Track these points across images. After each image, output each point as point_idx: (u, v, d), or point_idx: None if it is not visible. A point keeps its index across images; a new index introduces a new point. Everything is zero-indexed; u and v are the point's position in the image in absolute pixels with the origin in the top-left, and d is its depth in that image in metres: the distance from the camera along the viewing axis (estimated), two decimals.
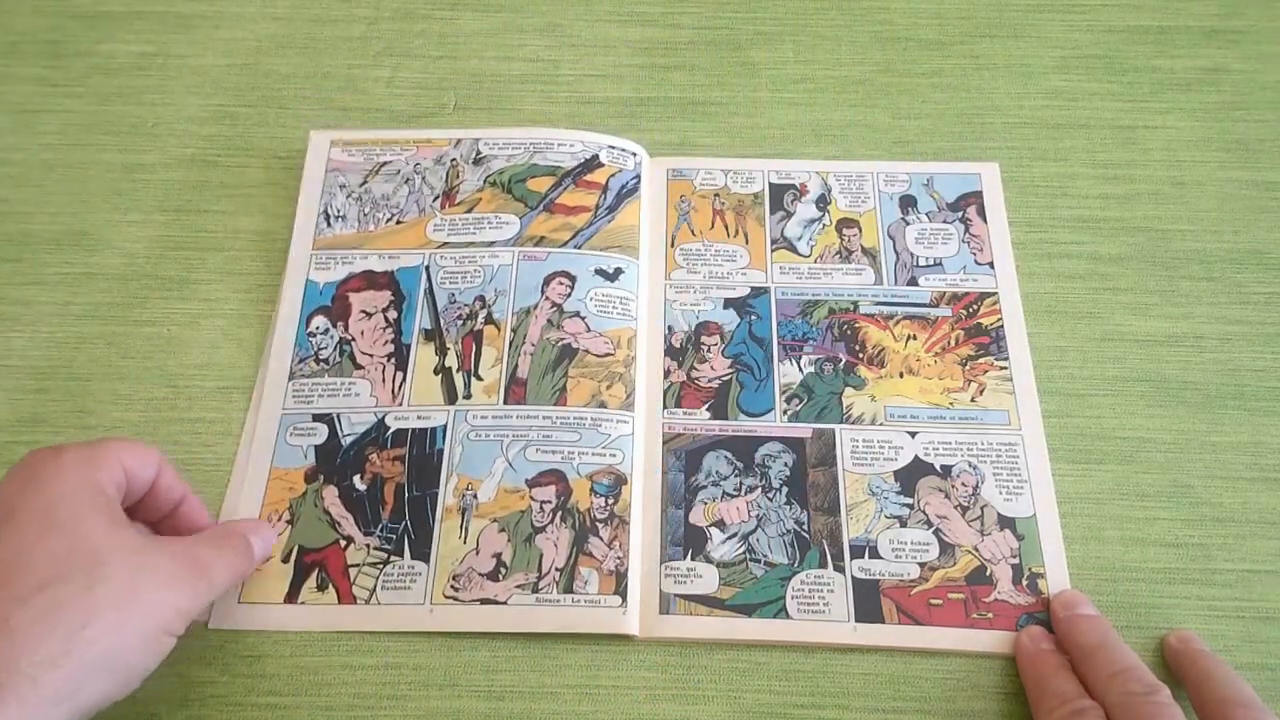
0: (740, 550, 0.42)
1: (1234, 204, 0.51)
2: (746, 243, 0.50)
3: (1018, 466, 0.44)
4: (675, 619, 0.41)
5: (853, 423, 0.45)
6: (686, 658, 0.40)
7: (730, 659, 0.40)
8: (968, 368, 0.46)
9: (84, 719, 0.31)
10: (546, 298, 0.47)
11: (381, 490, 0.43)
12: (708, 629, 0.41)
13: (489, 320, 0.47)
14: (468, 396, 0.45)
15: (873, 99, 0.55)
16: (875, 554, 0.42)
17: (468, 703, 0.39)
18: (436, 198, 0.50)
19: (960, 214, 0.50)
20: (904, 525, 0.42)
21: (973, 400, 0.45)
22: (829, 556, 0.42)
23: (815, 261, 0.49)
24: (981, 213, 0.50)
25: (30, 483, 0.33)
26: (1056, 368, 0.47)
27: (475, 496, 0.42)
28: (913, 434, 0.44)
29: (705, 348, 0.47)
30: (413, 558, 0.41)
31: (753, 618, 0.41)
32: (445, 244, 0.49)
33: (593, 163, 0.50)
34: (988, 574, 0.41)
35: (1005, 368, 0.46)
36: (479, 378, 0.45)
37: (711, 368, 0.46)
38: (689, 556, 0.42)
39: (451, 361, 0.46)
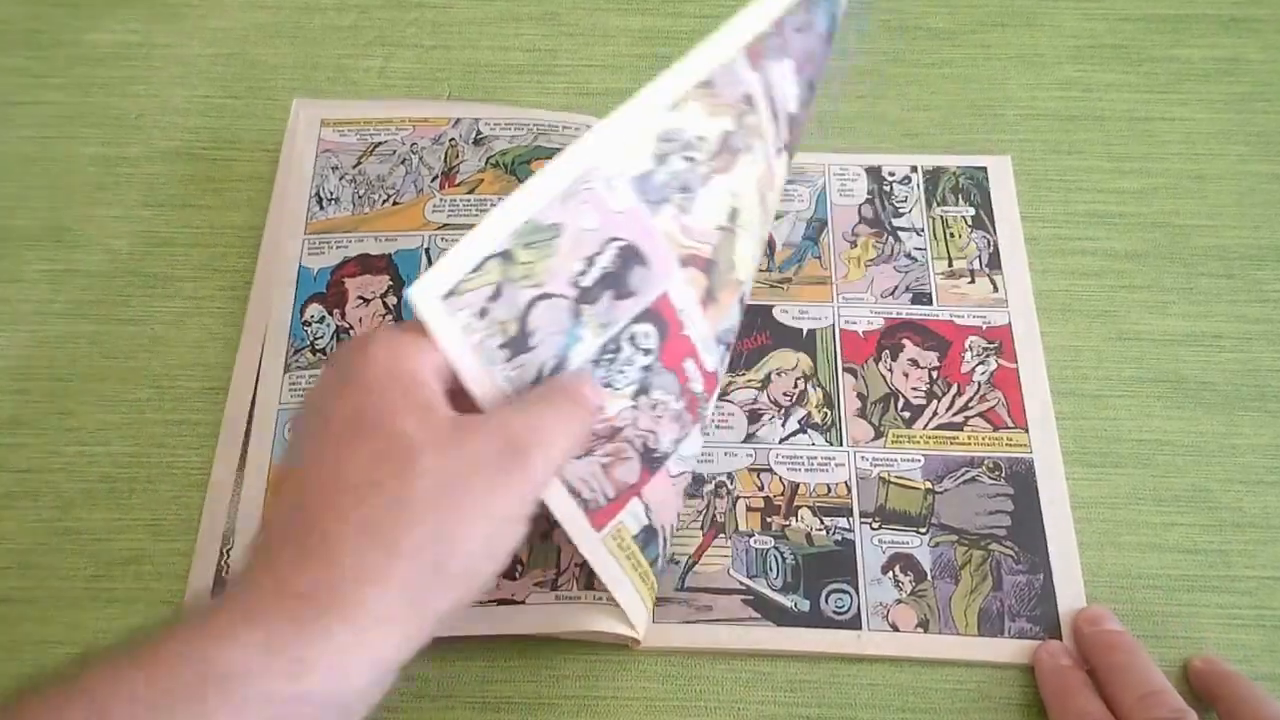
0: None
1: (1254, 198, 0.51)
2: None
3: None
4: (675, 627, 0.41)
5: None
6: (688, 668, 0.40)
7: (733, 669, 0.40)
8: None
9: (440, 627, 0.29)
10: None
11: None
12: (709, 638, 0.41)
13: None
14: None
15: (881, 90, 0.55)
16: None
17: (462, 714, 0.39)
18: (435, 178, 0.50)
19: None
20: None
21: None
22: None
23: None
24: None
25: (340, 384, 0.30)
26: (1070, 368, 0.47)
27: None
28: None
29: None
30: None
31: (757, 625, 0.41)
32: (445, 225, 0.49)
33: None
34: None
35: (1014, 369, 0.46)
36: None
37: None
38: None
39: None
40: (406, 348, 0.30)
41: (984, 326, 0.47)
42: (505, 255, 0.32)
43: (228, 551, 0.42)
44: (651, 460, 0.37)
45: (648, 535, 0.38)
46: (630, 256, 0.35)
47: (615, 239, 0.35)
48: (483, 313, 0.32)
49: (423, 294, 0.30)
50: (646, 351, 0.36)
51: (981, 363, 0.46)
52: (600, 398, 0.34)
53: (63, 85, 0.55)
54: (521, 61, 0.56)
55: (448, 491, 0.28)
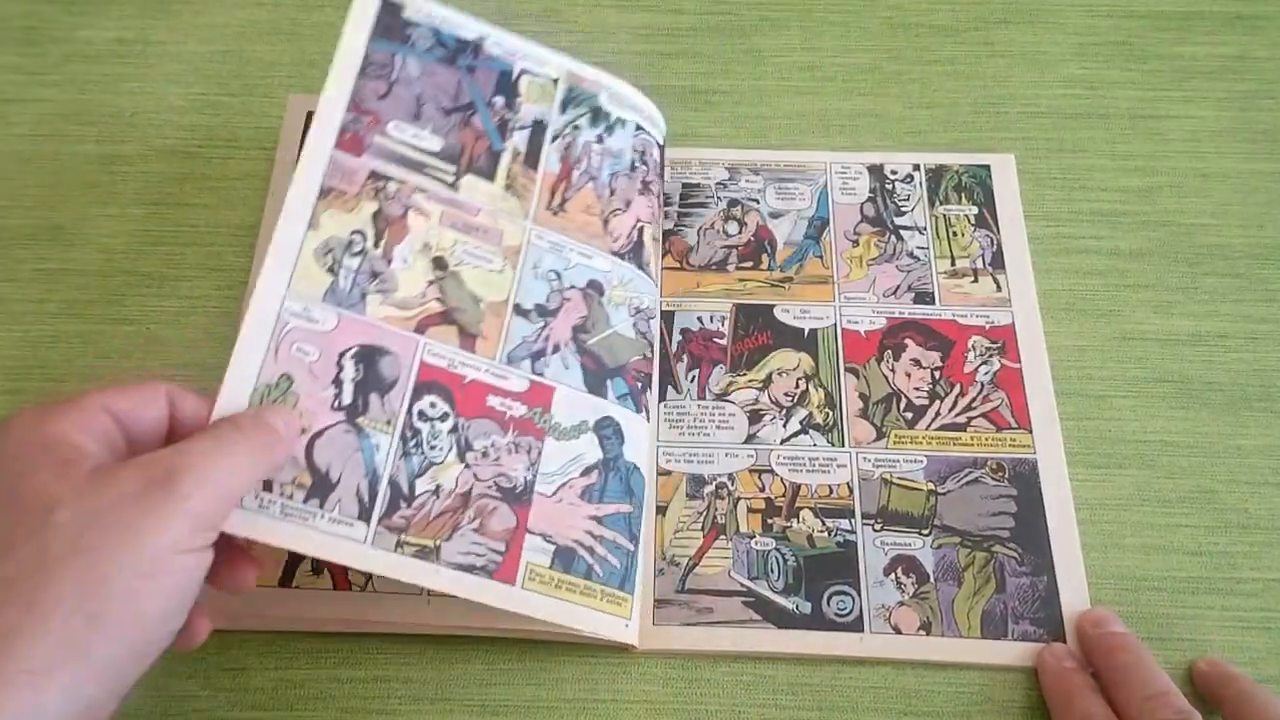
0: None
1: (1259, 197, 0.51)
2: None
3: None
4: (676, 630, 0.41)
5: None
6: (688, 670, 0.40)
7: (734, 672, 0.40)
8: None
9: (115, 680, 0.28)
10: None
11: None
12: (710, 640, 0.40)
13: None
14: None
15: (883, 87, 0.55)
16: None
17: (460, 717, 0.39)
18: None
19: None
20: None
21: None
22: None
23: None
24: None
25: None
26: (1074, 368, 0.47)
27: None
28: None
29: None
30: None
31: (758, 627, 0.41)
32: None
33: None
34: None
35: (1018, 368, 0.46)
36: None
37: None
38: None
39: None
40: (52, 413, 0.31)
41: (987, 326, 0.47)
42: None
43: None
44: (517, 498, 0.40)
45: (564, 558, 0.39)
46: (368, 356, 0.39)
47: (345, 351, 0.39)
48: (266, 486, 0.36)
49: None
50: (444, 416, 0.40)
51: (985, 363, 0.46)
52: (289, 419, 0.36)
53: (57, 83, 0.55)
54: None
55: (87, 536, 0.28)
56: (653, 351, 0.46)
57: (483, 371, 0.41)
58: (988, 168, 0.52)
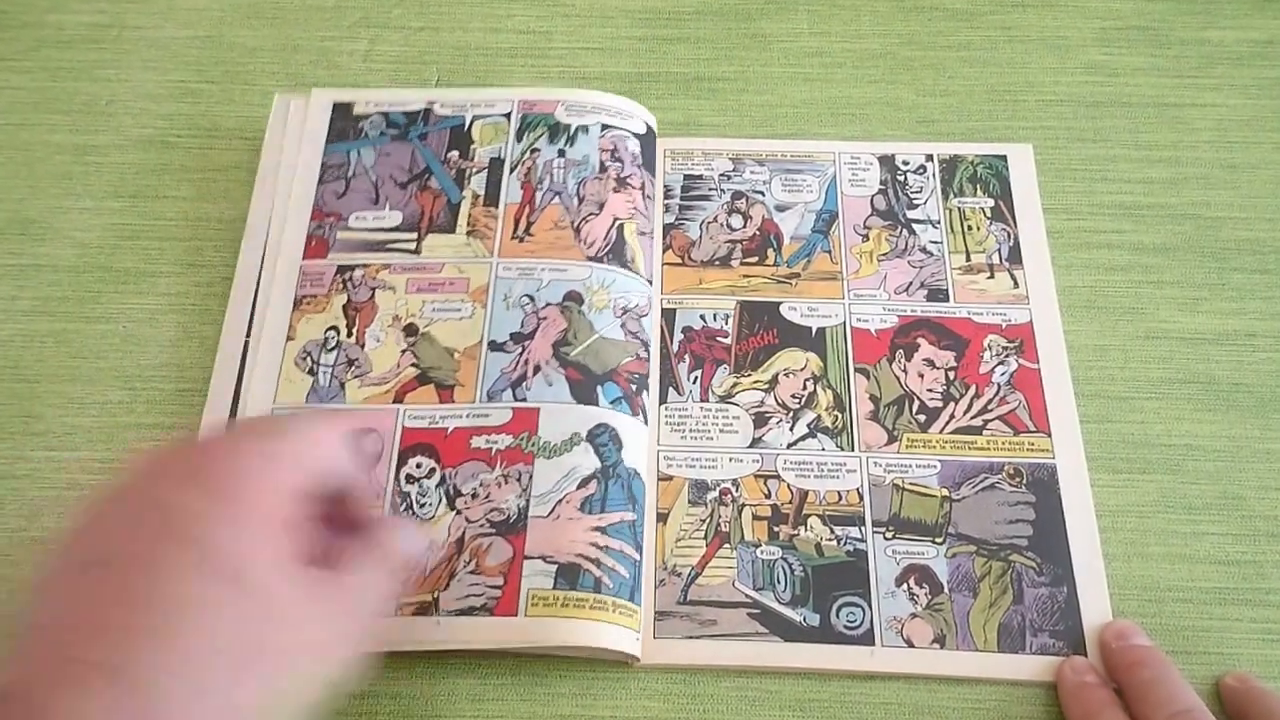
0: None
1: None
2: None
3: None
4: (678, 643, 0.41)
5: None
6: (690, 685, 0.40)
7: (738, 687, 0.40)
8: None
9: None
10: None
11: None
12: (713, 654, 0.40)
13: None
14: None
15: (895, 74, 0.55)
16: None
17: None
18: None
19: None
20: None
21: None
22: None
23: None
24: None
25: (198, 492, 0.29)
26: (1095, 368, 0.47)
27: None
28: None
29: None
30: None
31: (764, 640, 0.40)
32: None
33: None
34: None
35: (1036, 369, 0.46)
36: None
37: None
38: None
39: None
40: (282, 461, 0.31)
41: (1004, 325, 0.47)
42: None
43: None
44: (511, 527, 0.41)
45: (568, 575, 0.40)
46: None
47: None
48: None
49: None
50: (430, 473, 0.43)
51: (1001, 363, 0.46)
52: (415, 546, 0.36)
53: (28, 70, 0.55)
54: (514, 44, 0.56)
55: (280, 663, 0.29)
56: (648, 350, 0.46)
57: (464, 417, 0.44)
58: (1004, 158, 0.52)
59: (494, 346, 0.45)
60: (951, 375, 0.46)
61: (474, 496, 0.42)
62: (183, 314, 0.48)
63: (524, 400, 0.44)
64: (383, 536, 0.34)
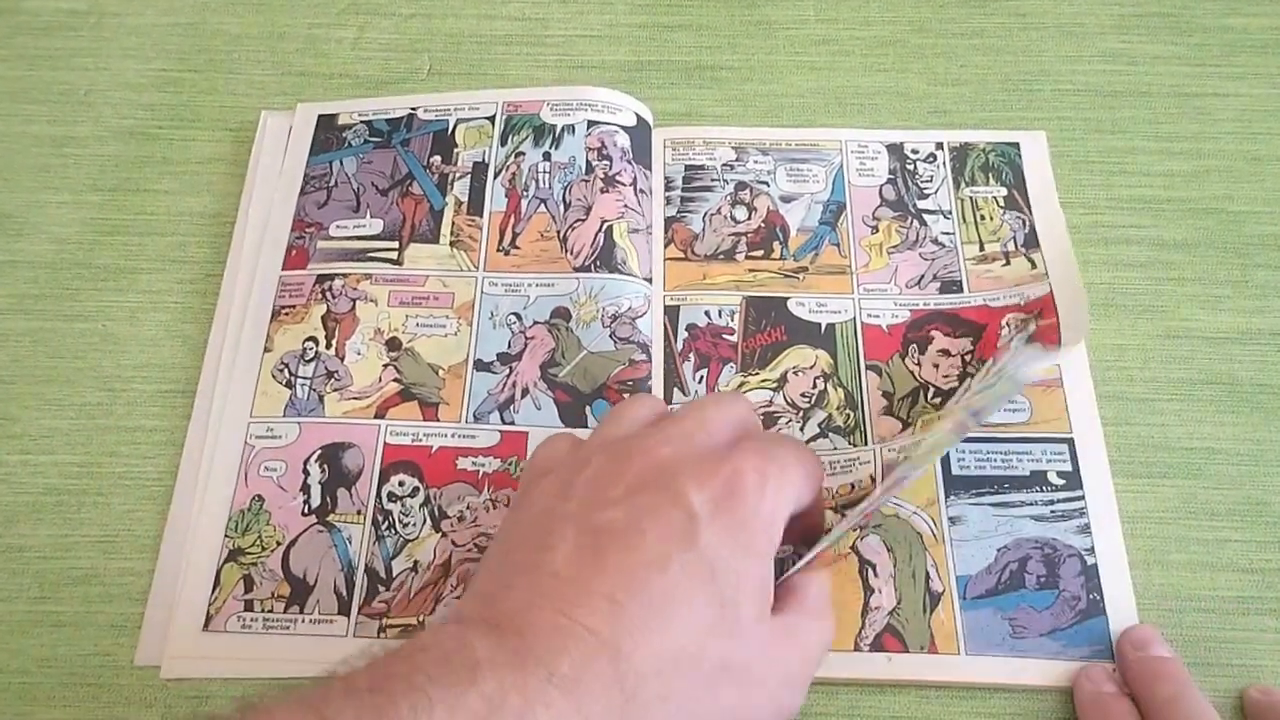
0: None
1: None
2: None
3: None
4: None
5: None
6: None
7: None
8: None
9: None
10: None
11: None
12: None
13: None
14: None
15: (905, 63, 0.55)
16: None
17: None
18: None
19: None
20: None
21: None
22: None
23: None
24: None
25: (722, 529, 0.33)
26: (1114, 369, 0.46)
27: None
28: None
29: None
30: None
31: None
32: None
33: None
34: None
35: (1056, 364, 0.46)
36: None
37: None
38: None
39: None
40: (786, 493, 0.34)
41: (1022, 302, 0.47)
42: (233, 559, 0.41)
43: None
44: None
45: None
46: (331, 454, 0.43)
47: (308, 457, 0.43)
48: (247, 606, 0.40)
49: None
50: (413, 492, 0.43)
51: (1020, 330, 0.46)
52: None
53: (3, 58, 0.55)
54: (509, 31, 0.56)
55: (745, 700, 0.32)
56: (647, 353, 0.46)
57: (449, 436, 0.44)
58: (1016, 145, 0.52)
59: (480, 366, 0.45)
60: (968, 358, 0.46)
61: (460, 519, 0.42)
62: (165, 312, 0.48)
63: (512, 423, 0.44)
64: (812, 580, 0.36)
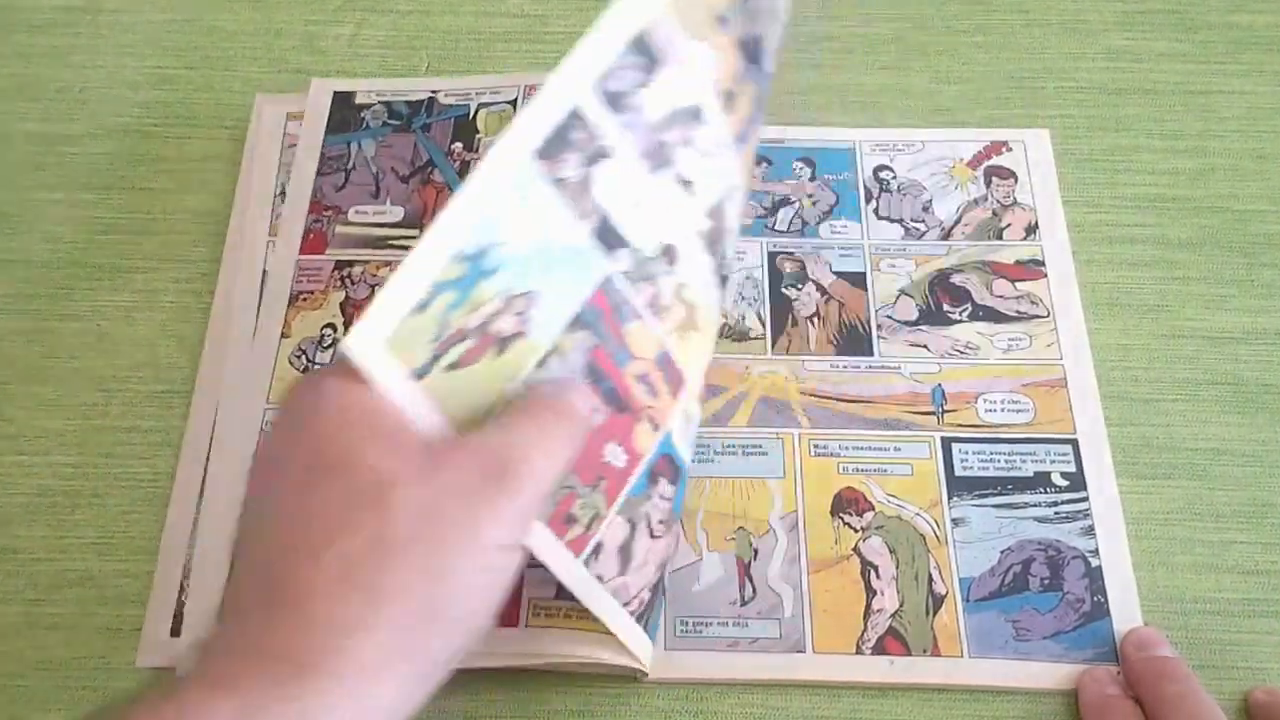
0: None
1: None
2: None
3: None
4: (684, 656, 0.40)
5: None
6: (693, 701, 0.40)
7: (744, 703, 0.40)
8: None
9: (434, 682, 0.29)
10: None
11: None
12: (720, 667, 0.40)
13: None
14: None
15: (907, 60, 0.55)
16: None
17: None
18: None
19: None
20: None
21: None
22: None
23: None
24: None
25: (295, 428, 0.30)
26: (1119, 369, 0.47)
27: None
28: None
29: None
30: None
31: (772, 653, 0.40)
32: None
33: None
34: None
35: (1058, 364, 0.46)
36: None
37: None
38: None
39: None
40: (362, 379, 0.30)
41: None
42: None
43: (186, 583, 0.42)
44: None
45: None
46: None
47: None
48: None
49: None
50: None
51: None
52: (589, 403, 0.34)
53: None
54: (508, 28, 0.56)
55: (430, 522, 0.28)
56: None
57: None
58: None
59: None
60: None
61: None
62: (160, 311, 0.48)
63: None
64: (542, 388, 0.33)
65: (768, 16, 0.38)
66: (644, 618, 0.38)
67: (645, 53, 0.33)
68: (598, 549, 0.36)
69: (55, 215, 0.50)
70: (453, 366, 0.31)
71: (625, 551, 0.37)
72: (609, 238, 0.35)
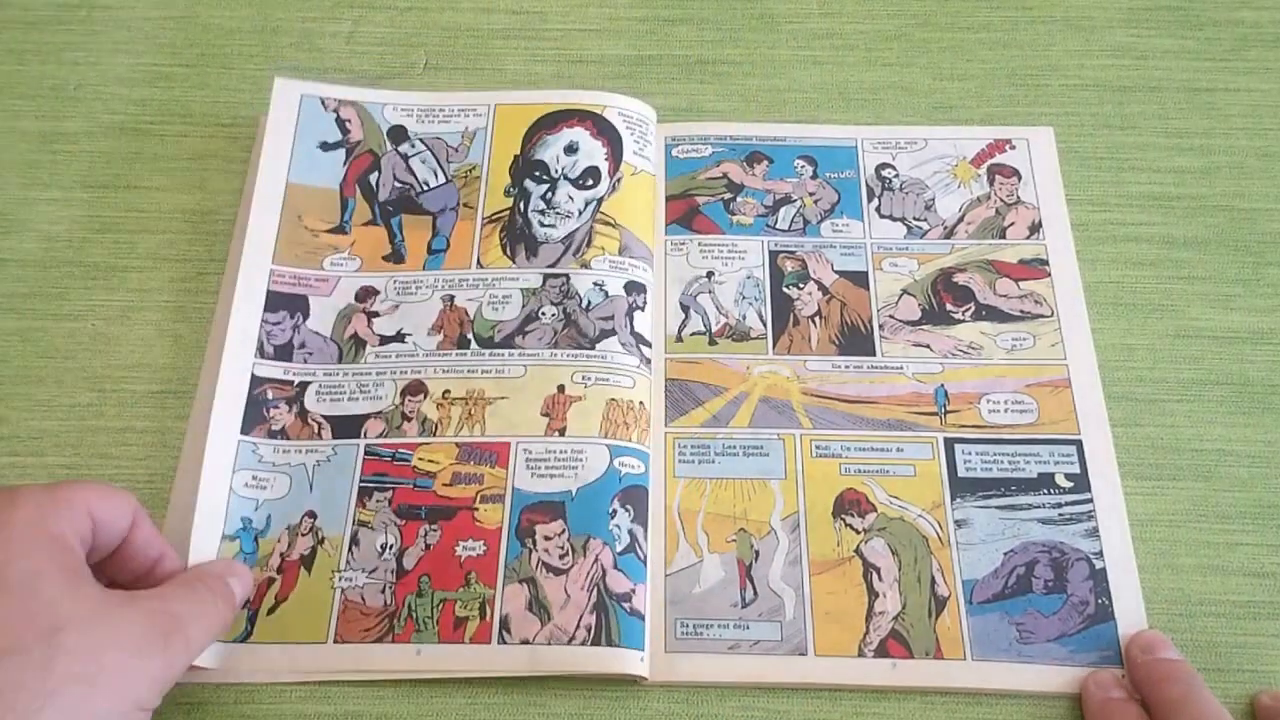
0: None
1: None
2: None
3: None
4: (684, 658, 0.40)
5: None
6: (693, 705, 0.40)
7: (745, 706, 0.40)
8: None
9: None
10: None
11: None
12: (721, 670, 0.40)
13: None
14: None
15: (910, 57, 0.55)
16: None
17: None
18: None
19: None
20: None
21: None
22: None
23: None
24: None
25: None
26: (1123, 369, 0.47)
27: None
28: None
29: None
30: None
31: (773, 655, 0.40)
32: None
33: None
34: None
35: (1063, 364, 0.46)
36: None
37: None
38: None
39: None
40: (50, 512, 0.33)
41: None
42: None
43: None
44: None
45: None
46: None
47: None
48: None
49: None
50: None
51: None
52: (245, 585, 0.39)
53: None
54: (506, 25, 0.56)
55: (88, 668, 0.31)
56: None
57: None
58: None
59: None
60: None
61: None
62: (156, 311, 0.48)
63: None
64: (209, 568, 0.39)
65: None
66: (603, 634, 0.40)
67: None
68: (505, 622, 0.40)
69: (50, 214, 0.50)
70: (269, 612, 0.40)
71: (538, 604, 0.40)
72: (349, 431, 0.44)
